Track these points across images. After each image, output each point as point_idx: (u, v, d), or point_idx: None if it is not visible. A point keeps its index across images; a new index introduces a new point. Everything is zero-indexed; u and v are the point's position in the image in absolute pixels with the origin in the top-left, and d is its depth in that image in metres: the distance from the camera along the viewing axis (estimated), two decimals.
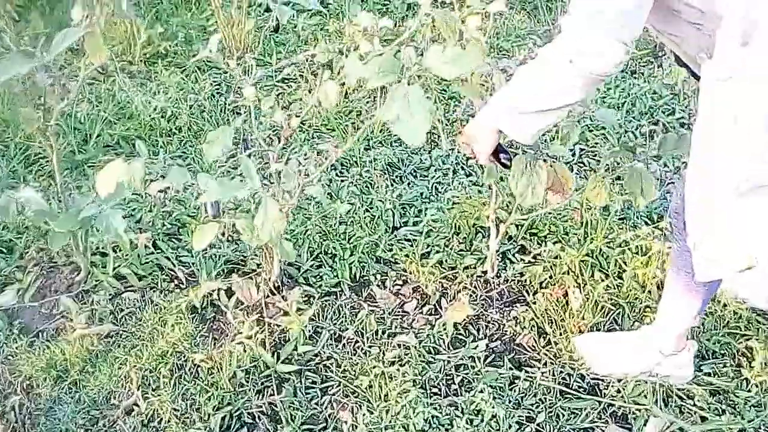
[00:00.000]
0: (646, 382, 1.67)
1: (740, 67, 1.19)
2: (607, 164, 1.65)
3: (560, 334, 1.79)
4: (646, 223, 2.10)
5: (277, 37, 3.27)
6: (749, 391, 1.66)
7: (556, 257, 1.99)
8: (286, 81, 3.02)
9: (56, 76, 1.74)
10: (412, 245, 2.09)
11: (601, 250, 2.01)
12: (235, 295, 1.84)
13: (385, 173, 2.49)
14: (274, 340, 1.75)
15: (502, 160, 1.55)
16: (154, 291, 1.88)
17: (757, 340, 1.76)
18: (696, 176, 1.35)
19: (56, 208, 1.80)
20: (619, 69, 1.25)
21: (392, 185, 2.44)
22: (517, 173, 1.49)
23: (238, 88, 2.73)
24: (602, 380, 1.69)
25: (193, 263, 1.97)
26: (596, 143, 2.50)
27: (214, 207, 1.68)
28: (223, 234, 1.68)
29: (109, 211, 1.68)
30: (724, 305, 1.85)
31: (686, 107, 2.72)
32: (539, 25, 3.52)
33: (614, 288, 1.90)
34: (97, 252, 1.95)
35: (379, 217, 2.21)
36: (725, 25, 1.19)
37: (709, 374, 1.71)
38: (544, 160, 1.51)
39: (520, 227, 2.08)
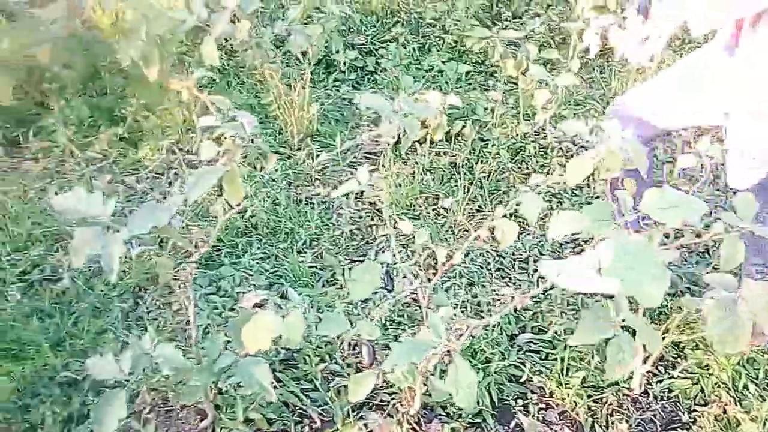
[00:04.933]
0: None
1: None
2: None
3: None
4: None
5: (339, 116, 3.16)
6: None
7: (705, 366, 1.88)
8: (353, 165, 2.90)
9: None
10: (542, 358, 1.96)
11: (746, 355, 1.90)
12: None
13: (482, 267, 2.36)
14: None
15: None
16: None
17: None
18: None
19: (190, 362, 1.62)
20: None
21: (492, 280, 2.31)
22: (714, 317, 1.36)
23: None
24: None
25: (321, 399, 1.81)
26: None
27: (371, 353, 1.53)
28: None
29: (250, 361, 1.52)
30: None
31: None
32: (594, 89, 3.46)
33: None
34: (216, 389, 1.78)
35: (496, 325, 2.07)
36: None
37: None
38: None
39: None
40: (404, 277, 2.06)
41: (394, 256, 1.59)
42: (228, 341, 1.64)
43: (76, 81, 2.67)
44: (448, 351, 1.37)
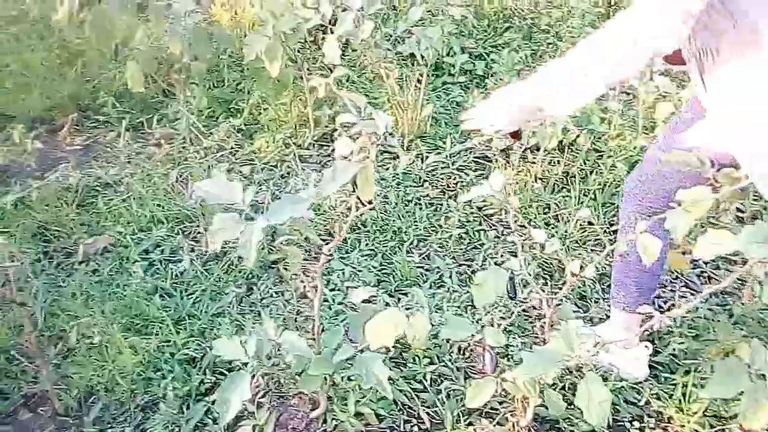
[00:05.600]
0: None
1: None
2: None
3: None
4: None
5: (448, 118, 3.15)
6: None
7: None
8: (462, 169, 2.88)
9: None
10: (659, 381, 1.88)
11: None
12: None
13: (596, 283, 2.29)
14: None
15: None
16: None
17: None
18: None
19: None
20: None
21: (603, 294, 2.24)
22: None
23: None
24: None
25: (430, 400, 1.81)
26: None
27: (493, 360, 1.51)
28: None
29: (369, 356, 1.53)
30: None
31: None
32: None
33: None
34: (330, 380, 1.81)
35: None
36: None
37: None
38: None
39: None
40: (522, 285, 2.03)
41: (521, 263, 1.56)
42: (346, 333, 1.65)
43: (203, 73, 2.78)
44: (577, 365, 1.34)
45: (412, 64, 3.32)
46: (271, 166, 2.83)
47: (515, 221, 1.99)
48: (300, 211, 1.40)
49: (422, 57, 2.77)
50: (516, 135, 1.59)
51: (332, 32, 2.54)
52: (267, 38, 2.55)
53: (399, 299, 2.18)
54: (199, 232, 2.44)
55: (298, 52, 3.50)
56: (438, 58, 3.47)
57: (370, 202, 1.57)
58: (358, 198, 1.56)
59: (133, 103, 3.18)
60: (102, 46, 2.55)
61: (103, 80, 3.30)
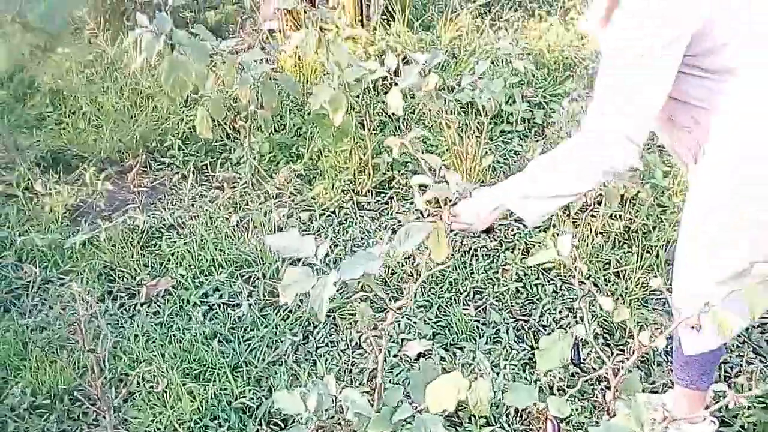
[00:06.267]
0: None
1: None
2: None
3: None
4: None
5: (506, 168, 3.14)
6: None
7: None
8: (520, 220, 2.84)
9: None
10: None
11: None
12: None
13: (655, 349, 2.22)
14: None
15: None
16: None
17: None
18: None
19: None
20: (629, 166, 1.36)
21: (666, 357, 2.17)
22: None
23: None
24: None
25: None
26: None
27: (556, 430, 1.47)
28: None
29: (428, 418, 1.51)
30: None
31: None
32: None
33: None
34: None
35: None
36: None
37: None
38: None
39: None
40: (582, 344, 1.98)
41: (586, 328, 1.52)
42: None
43: (269, 120, 2.86)
44: None
45: (471, 113, 3.34)
46: (329, 212, 2.86)
47: (580, 284, 1.96)
48: (374, 267, 1.40)
49: (483, 107, 2.78)
50: (489, 230, 1.69)
51: (395, 83, 2.58)
52: (332, 89, 2.61)
53: (455, 354, 2.16)
54: (257, 278, 2.47)
55: (358, 97, 3.57)
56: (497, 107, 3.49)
57: (442, 263, 1.58)
58: (430, 257, 1.56)
59: (198, 146, 3.28)
60: (174, 92, 2.65)
61: (170, 123, 3.42)
